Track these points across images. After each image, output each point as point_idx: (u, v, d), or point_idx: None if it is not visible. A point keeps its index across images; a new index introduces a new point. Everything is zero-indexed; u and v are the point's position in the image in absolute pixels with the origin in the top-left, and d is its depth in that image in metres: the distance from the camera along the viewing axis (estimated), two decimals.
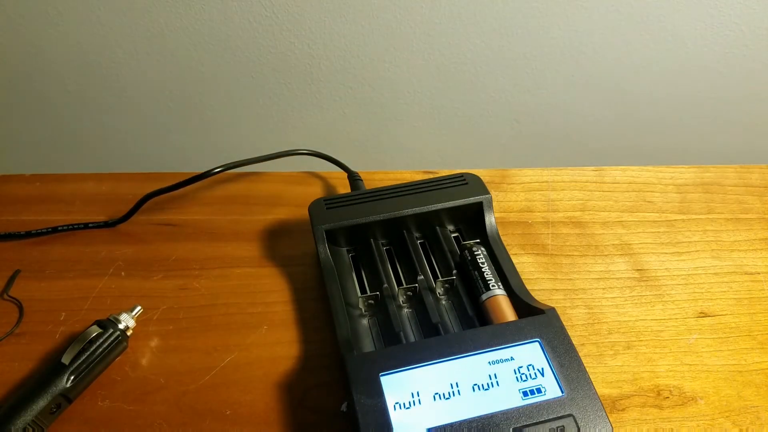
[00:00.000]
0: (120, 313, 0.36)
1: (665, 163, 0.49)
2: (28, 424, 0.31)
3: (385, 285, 0.36)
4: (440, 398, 0.29)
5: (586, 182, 0.48)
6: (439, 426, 0.28)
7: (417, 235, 0.40)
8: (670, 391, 0.34)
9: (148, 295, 0.40)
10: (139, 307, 0.37)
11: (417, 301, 0.36)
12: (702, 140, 0.70)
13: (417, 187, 0.40)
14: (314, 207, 0.39)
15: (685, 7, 0.57)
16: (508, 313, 0.34)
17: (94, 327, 0.35)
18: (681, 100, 0.66)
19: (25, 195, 0.46)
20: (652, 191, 0.47)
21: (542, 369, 0.30)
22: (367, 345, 0.34)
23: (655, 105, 0.66)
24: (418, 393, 0.29)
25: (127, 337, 0.36)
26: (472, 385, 0.29)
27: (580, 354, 0.33)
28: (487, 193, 0.40)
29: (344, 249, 0.40)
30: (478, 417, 0.28)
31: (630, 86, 0.64)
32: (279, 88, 0.65)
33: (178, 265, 0.42)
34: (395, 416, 0.28)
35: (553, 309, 0.32)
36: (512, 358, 0.30)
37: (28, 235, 0.43)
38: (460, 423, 0.28)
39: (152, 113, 0.66)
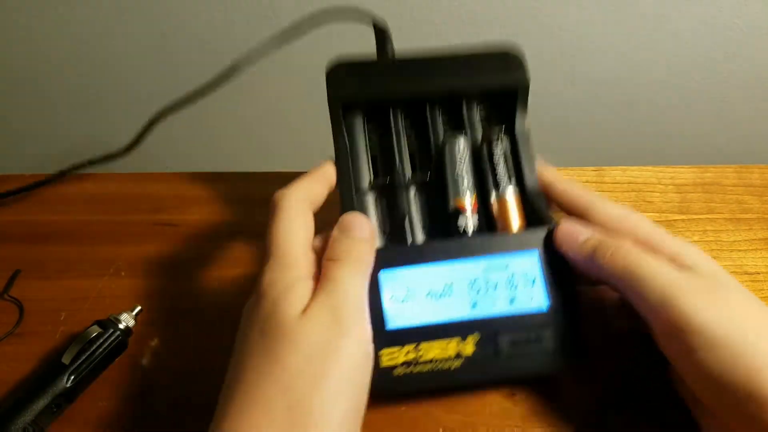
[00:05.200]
0: (120, 313, 0.36)
1: (665, 163, 0.49)
2: (28, 424, 0.31)
3: (398, 167, 0.35)
4: (433, 297, 0.31)
5: (586, 182, 0.48)
6: (427, 324, 0.30)
7: (443, 118, 0.37)
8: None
9: (148, 295, 0.39)
10: (139, 307, 0.37)
11: (428, 188, 0.36)
12: (702, 140, 0.70)
13: (450, 62, 0.35)
14: (332, 72, 0.34)
15: (686, 7, 0.57)
16: (515, 219, 0.33)
17: (94, 327, 0.35)
18: (681, 99, 0.66)
19: (25, 195, 0.46)
20: (651, 191, 0.47)
21: (534, 279, 0.31)
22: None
23: (655, 105, 0.67)
24: (412, 289, 0.31)
25: (128, 337, 0.36)
26: (464, 288, 0.31)
27: None
28: (525, 78, 0.35)
29: (360, 117, 0.37)
30: (465, 320, 0.30)
31: (630, 86, 0.64)
32: None
33: (178, 265, 0.42)
34: (389, 306, 0.30)
35: (556, 224, 0.32)
36: (507, 266, 0.31)
37: (28, 235, 0.43)
38: (446, 324, 0.30)
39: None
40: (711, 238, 0.43)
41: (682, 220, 0.45)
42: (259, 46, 0.39)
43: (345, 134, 0.34)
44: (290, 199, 0.31)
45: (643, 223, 0.31)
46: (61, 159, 0.46)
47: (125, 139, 0.44)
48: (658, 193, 0.47)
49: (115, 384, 0.35)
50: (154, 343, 0.37)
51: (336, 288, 0.27)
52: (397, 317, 0.30)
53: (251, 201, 0.46)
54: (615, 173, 0.48)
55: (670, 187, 0.47)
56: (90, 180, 0.48)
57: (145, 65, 0.62)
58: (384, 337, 0.30)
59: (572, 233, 0.30)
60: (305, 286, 0.28)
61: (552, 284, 0.31)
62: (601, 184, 0.47)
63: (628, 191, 0.47)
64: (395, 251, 0.32)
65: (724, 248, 0.43)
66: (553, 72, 0.63)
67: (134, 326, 0.36)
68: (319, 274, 0.29)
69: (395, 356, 0.30)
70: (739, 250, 0.42)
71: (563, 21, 0.58)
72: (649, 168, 0.49)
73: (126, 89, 0.65)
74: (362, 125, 0.37)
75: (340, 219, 0.31)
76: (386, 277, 0.31)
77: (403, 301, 0.31)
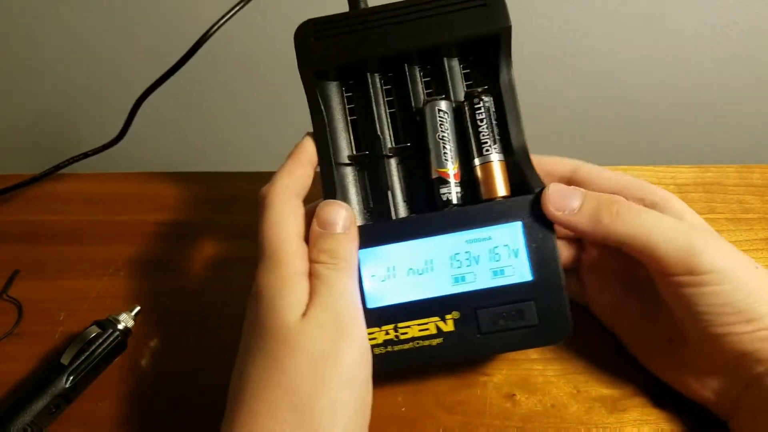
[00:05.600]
0: (119, 314, 0.36)
1: (665, 163, 0.49)
2: (27, 425, 0.31)
3: (379, 136, 0.33)
4: (414, 274, 0.30)
5: None
6: (408, 302, 0.30)
7: (422, 73, 0.34)
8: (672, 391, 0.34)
9: (147, 295, 0.39)
10: (138, 308, 0.37)
11: (411, 156, 0.34)
12: (702, 140, 0.70)
13: (426, 10, 0.32)
14: (301, 37, 0.32)
15: (685, 7, 0.57)
16: (500, 185, 0.31)
17: (94, 327, 0.35)
18: (681, 99, 0.66)
19: (23, 195, 0.46)
20: None
21: (517, 251, 0.30)
22: (353, 200, 0.33)
23: (656, 104, 0.67)
24: (393, 267, 0.30)
25: (127, 337, 0.36)
26: (446, 263, 0.30)
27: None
28: (507, 22, 0.32)
29: (334, 84, 0.34)
30: (446, 295, 0.30)
31: (630, 86, 0.64)
32: None
33: (178, 265, 0.41)
34: (369, 286, 0.30)
35: (543, 188, 0.30)
36: (490, 238, 0.30)
37: (27, 234, 0.43)
38: (427, 301, 0.30)
39: (153, 111, 0.66)
40: None
41: None
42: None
43: (321, 105, 0.33)
44: (277, 194, 0.31)
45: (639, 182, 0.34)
46: (57, 156, 0.46)
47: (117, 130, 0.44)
48: None
49: (115, 384, 0.35)
50: (154, 343, 0.37)
51: (330, 291, 0.27)
52: (377, 296, 0.30)
53: (252, 200, 0.46)
54: None
55: (671, 187, 0.47)
56: (89, 180, 0.48)
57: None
58: (364, 316, 0.29)
59: (565, 198, 0.30)
60: (301, 284, 0.28)
61: (536, 255, 0.30)
62: None
63: None
64: (375, 229, 0.31)
65: None
66: (553, 72, 0.63)
67: (133, 327, 0.36)
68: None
69: (375, 335, 0.30)
70: (740, 250, 0.42)
71: (563, 21, 0.58)
72: (650, 168, 0.49)
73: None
74: (339, 92, 0.34)
75: (318, 211, 0.30)
76: (366, 255, 0.30)
77: (383, 280, 0.30)
